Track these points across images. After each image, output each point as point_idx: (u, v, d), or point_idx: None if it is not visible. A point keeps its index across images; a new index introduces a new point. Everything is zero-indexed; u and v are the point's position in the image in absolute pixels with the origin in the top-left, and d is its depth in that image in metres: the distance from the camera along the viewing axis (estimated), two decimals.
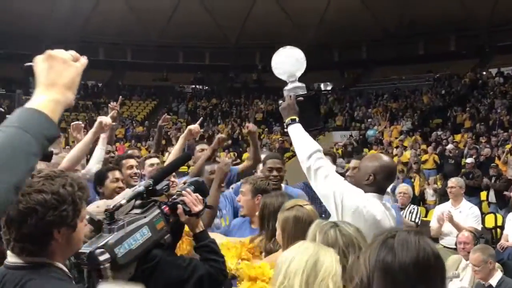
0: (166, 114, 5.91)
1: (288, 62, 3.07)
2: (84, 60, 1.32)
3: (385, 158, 2.95)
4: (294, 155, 20.21)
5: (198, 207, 2.26)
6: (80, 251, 1.71)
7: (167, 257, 2.15)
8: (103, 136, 4.34)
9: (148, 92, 31.26)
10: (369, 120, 22.51)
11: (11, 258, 1.56)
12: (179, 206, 2.22)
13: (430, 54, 28.44)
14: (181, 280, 2.14)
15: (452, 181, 6.84)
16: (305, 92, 2.79)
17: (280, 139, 22.01)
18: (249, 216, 3.56)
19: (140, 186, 2.14)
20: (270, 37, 30.71)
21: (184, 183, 2.50)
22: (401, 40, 29.48)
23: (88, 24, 30.96)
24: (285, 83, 2.95)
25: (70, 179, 1.59)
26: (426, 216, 10.51)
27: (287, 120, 2.87)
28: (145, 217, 2.03)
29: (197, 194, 2.30)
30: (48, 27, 29.33)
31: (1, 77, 22.69)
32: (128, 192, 2.20)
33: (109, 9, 29.69)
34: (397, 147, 17.45)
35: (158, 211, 2.11)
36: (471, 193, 11.66)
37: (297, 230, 2.45)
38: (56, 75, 1.24)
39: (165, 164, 4.38)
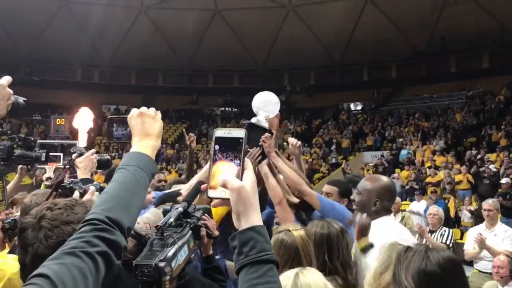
0: (190, 133, 5.86)
1: (271, 104, 3.24)
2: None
3: (384, 178, 3.09)
4: (324, 176, 20.11)
5: (217, 232, 2.44)
6: (140, 263, 1.70)
7: (194, 275, 2.38)
8: None
9: (179, 115, 31.69)
10: (400, 139, 22.16)
11: None
12: (202, 229, 2.33)
13: (463, 71, 27.91)
14: None
15: (489, 203, 6.59)
16: (265, 128, 2.97)
17: (310, 160, 21.90)
18: None
19: (178, 207, 2.21)
20: (298, 58, 30.93)
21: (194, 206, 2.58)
22: (432, 57, 29.13)
23: (120, 49, 31.75)
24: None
25: (88, 206, 1.62)
26: (461, 238, 10.20)
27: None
28: (184, 235, 2.09)
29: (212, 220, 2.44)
30: (79, 54, 30.22)
31: (37, 103, 23.40)
32: (156, 211, 2.37)
33: (139, 34, 30.43)
34: (429, 168, 17.08)
35: (190, 231, 2.15)
36: (509, 214, 11.30)
37: (279, 255, 2.39)
38: (149, 128, 1.56)
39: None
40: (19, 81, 28.29)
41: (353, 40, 30.32)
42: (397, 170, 18.27)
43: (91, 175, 3.10)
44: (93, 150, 3.18)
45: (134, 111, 1.60)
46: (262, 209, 3.98)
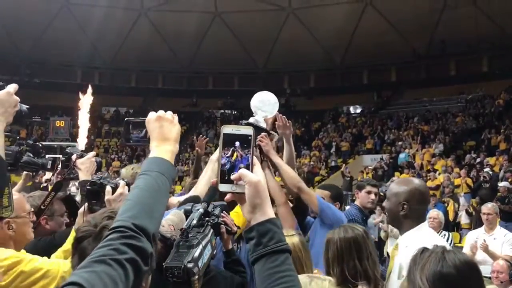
0: (202, 137, 5.65)
1: (269, 103, 3.18)
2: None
3: (415, 181, 2.88)
4: (323, 179, 20.12)
5: (235, 228, 2.56)
6: (169, 265, 1.73)
7: (218, 270, 2.59)
8: None
9: (178, 118, 31.45)
10: (400, 143, 22.17)
11: None
12: (222, 226, 2.47)
13: (462, 75, 27.98)
14: None
15: (488, 207, 6.56)
16: (262, 126, 2.99)
17: (311, 163, 21.91)
18: None
19: (198, 208, 2.27)
20: (298, 61, 30.95)
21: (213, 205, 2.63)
22: (432, 61, 29.19)
23: (120, 51, 31.78)
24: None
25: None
26: (460, 242, 10.20)
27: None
28: (207, 235, 2.18)
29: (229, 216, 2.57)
30: (80, 55, 30.24)
31: (37, 105, 23.41)
32: (178, 212, 2.45)
33: (140, 36, 30.47)
34: (429, 171, 17.09)
35: (212, 230, 2.26)
36: (508, 218, 11.30)
37: None
38: (167, 132, 1.56)
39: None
40: (19, 82, 28.24)
41: (353, 43, 30.37)
42: (397, 174, 18.27)
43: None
44: (93, 153, 3.21)
45: (152, 115, 1.60)
46: None
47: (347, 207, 6.22)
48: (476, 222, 12.10)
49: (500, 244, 6.20)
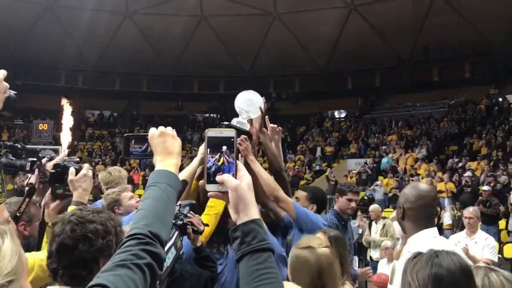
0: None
1: (252, 104, 3.08)
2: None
3: (421, 185, 2.92)
4: (308, 183, 20.18)
5: (202, 227, 2.64)
6: None
7: (183, 269, 2.64)
8: None
9: (163, 121, 31.52)
10: (384, 147, 22.37)
11: None
12: (188, 226, 2.54)
13: (445, 81, 28.36)
14: (193, 285, 2.68)
15: (470, 211, 6.65)
16: (244, 129, 2.88)
17: (296, 167, 21.97)
18: None
19: None
20: (283, 65, 31.06)
21: (179, 205, 2.63)
22: (415, 66, 29.51)
23: (104, 54, 31.58)
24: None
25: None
26: None
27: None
28: (171, 238, 2.29)
29: (197, 215, 2.64)
30: (64, 58, 29.96)
31: (19, 107, 23.18)
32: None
33: (125, 39, 30.31)
34: (412, 175, 17.26)
35: (177, 232, 2.40)
36: (489, 221, 11.44)
37: (301, 274, 2.29)
38: (170, 146, 1.65)
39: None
40: None
41: (338, 49, 30.59)
42: (380, 178, 18.41)
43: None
44: (87, 165, 2.69)
45: (155, 131, 1.68)
46: None
47: None
48: (457, 224, 12.27)
49: (481, 248, 6.28)
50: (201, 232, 2.67)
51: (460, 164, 17.77)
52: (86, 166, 2.58)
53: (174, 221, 2.42)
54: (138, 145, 1.94)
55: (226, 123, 2.63)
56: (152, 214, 1.42)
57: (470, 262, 5.42)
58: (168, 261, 2.19)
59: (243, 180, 1.41)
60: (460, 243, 6.25)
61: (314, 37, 29.61)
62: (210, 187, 1.44)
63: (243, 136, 2.34)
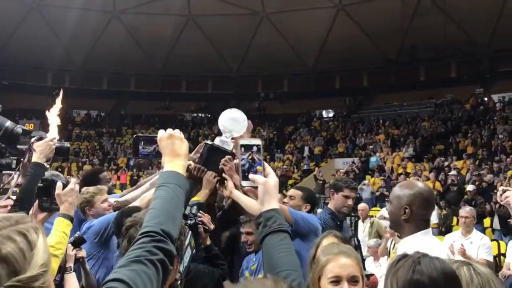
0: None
1: (237, 122, 2.93)
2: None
3: (419, 184, 2.78)
4: (296, 182, 20.26)
5: (212, 225, 2.80)
6: None
7: (196, 268, 2.77)
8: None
9: (151, 121, 31.46)
10: (371, 146, 22.51)
11: None
12: (200, 226, 2.70)
13: (431, 80, 28.60)
14: (207, 283, 2.84)
15: (466, 211, 6.58)
16: (226, 149, 2.78)
17: (284, 167, 22.04)
18: None
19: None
20: (271, 65, 31.11)
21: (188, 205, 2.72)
22: (402, 66, 29.72)
23: (92, 54, 31.37)
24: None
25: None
26: None
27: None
28: (186, 238, 2.34)
29: (206, 214, 2.77)
30: (51, 57, 29.72)
31: (6, 108, 22.94)
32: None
33: (112, 39, 30.14)
34: (399, 174, 17.39)
35: (190, 232, 2.44)
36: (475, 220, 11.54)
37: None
38: (178, 148, 1.75)
39: None
40: None
41: (326, 48, 30.71)
42: (368, 177, 18.53)
43: (48, 160, 2.94)
44: (53, 136, 3.02)
45: (163, 133, 1.79)
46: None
47: (319, 210, 6.22)
48: (443, 223, 12.40)
49: (476, 248, 6.27)
50: (211, 231, 2.81)
51: (446, 163, 17.94)
52: (73, 181, 2.66)
53: (185, 221, 2.50)
54: (147, 146, 2.03)
55: (209, 142, 2.61)
56: (163, 213, 1.53)
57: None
58: (185, 261, 2.26)
59: (270, 177, 1.70)
60: (455, 243, 6.20)
61: (302, 37, 29.70)
62: (245, 183, 1.73)
63: (227, 157, 2.35)
